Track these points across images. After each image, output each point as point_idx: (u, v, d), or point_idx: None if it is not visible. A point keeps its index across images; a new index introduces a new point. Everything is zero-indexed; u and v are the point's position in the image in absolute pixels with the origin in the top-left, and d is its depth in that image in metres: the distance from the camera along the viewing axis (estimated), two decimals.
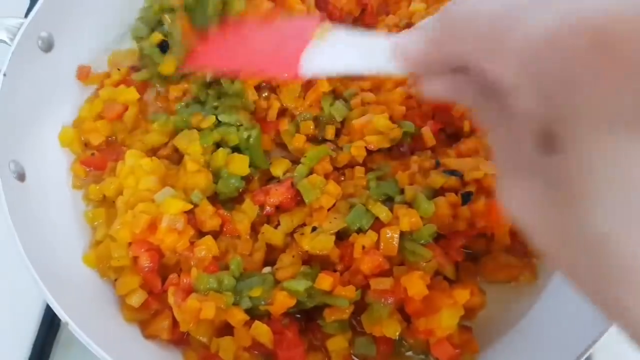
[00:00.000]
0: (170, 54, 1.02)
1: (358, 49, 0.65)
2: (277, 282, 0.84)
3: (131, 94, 1.02)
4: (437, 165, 0.94)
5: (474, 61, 0.46)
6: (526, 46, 0.40)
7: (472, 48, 0.46)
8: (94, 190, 0.94)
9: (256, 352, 0.83)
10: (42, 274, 0.77)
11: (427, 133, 0.97)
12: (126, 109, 1.01)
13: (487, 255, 0.91)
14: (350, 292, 0.82)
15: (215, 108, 0.97)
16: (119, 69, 1.05)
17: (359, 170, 0.96)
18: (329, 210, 0.91)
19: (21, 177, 0.89)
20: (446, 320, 0.79)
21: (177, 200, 0.86)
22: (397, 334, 0.81)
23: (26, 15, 1.03)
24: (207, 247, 0.85)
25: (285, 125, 1.01)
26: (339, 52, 0.68)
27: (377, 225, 0.88)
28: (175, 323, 0.82)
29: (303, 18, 0.96)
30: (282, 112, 1.03)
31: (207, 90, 1.00)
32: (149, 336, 0.84)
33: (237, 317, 0.80)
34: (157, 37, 1.03)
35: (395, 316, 0.82)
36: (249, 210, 0.91)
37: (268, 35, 0.83)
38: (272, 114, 1.00)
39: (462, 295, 0.82)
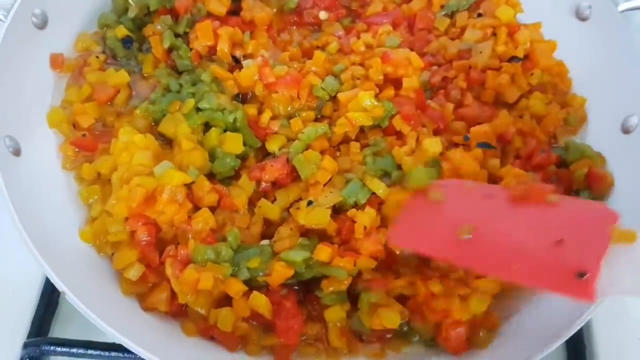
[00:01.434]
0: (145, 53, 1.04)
1: None
2: (275, 254, 0.84)
3: (121, 77, 1.01)
4: (466, 139, 0.94)
5: None
6: None
7: None
8: (88, 168, 0.93)
9: (255, 322, 0.83)
10: (39, 246, 0.77)
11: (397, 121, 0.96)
12: (117, 92, 1.01)
13: None
14: (348, 264, 0.82)
15: (193, 95, 0.96)
16: (97, 57, 1.04)
17: (355, 146, 0.96)
18: (324, 185, 0.91)
19: (17, 152, 0.88)
20: (475, 306, 0.78)
21: (178, 172, 0.86)
22: (399, 323, 0.81)
23: None
24: (204, 219, 0.85)
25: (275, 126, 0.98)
26: None
27: (374, 200, 0.88)
28: (173, 295, 0.83)
29: (591, 206, 0.71)
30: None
31: (177, 79, 1.00)
32: (147, 308, 0.84)
33: (236, 287, 0.80)
34: (122, 31, 1.04)
35: (395, 307, 0.81)
36: (245, 186, 0.91)
37: (535, 229, 0.63)
38: (264, 120, 0.97)
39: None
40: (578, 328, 0.74)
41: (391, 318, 0.80)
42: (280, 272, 0.81)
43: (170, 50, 1.03)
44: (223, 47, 1.01)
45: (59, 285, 0.75)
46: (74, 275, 0.79)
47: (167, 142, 0.96)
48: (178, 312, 0.84)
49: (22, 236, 0.78)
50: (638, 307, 0.97)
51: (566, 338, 0.74)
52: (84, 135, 0.97)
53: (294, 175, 0.92)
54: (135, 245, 0.84)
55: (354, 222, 0.85)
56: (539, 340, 0.76)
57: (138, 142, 0.90)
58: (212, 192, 0.89)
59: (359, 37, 1.08)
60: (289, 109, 1.00)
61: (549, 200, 0.67)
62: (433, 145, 0.91)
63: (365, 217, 0.84)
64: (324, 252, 0.82)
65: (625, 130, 0.93)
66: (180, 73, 1.03)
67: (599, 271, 0.52)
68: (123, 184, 0.86)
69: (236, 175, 0.95)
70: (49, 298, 0.95)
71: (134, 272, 0.83)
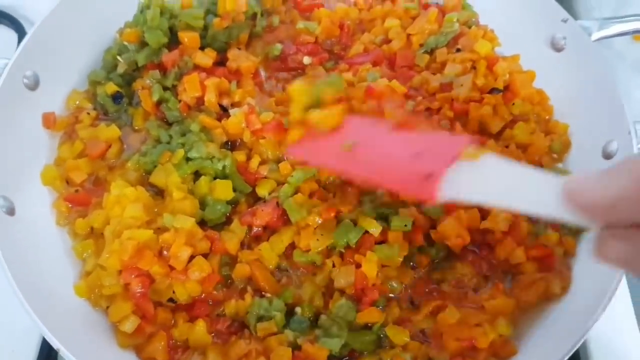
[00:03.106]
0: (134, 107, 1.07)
1: (518, 181, 0.59)
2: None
3: (112, 131, 1.03)
4: None
5: None
6: None
7: None
8: (81, 224, 0.94)
9: None
10: (33, 304, 0.78)
11: None
12: (109, 146, 1.03)
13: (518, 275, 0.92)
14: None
15: (182, 145, 0.98)
16: (88, 113, 1.07)
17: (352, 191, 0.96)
18: (315, 228, 0.91)
19: (11, 211, 0.90)
20: (502, 328, 0.83)
21: (185, 216, 0.89)
22: None
23: None
24: (199, 267, 0.86)
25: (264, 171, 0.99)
26: (493, 179, 0.61)
27: (366, 240, 0.89)
28: (170, 344, 0.83)
29: (449, 134, 0.86)
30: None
31: (167, 130, 1.02)
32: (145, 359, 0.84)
33: None
34: (112, 87, 1.07)
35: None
36: (237, 230, 0.93)
37: (403, 144, 0.75)
38: (253, 166, 1.00)
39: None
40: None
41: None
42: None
43: (159, 103, 1.06)
44: (210, 98, 1.04)
45: (54, 342, 0.75)
46: (70, 331, 0.80)
47: (159, 193, 0.97)
48: None
49: (17, 295, 0.78)
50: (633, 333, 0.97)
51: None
52: (77, 190, 0.99)
53: (285, 219, 0.93)
54: (130, 297, 0.85)
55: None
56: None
57: (129, 195, 0.91)
58: (204, 239, 0.90)
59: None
60: (277, 153, 1.01)
61: (420, 129, 0.79)
62: None
63: (372, 267, 0.86)
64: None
65: (607, 156, 0.95)
66: (170, 124, 1.05)
67: (442, 175, 0.62)
68: (115, 237, 0.87)
69: (228, 221, 0.96)
70: (47, 356, 0.94)
71: (130, 325, 0.84)
